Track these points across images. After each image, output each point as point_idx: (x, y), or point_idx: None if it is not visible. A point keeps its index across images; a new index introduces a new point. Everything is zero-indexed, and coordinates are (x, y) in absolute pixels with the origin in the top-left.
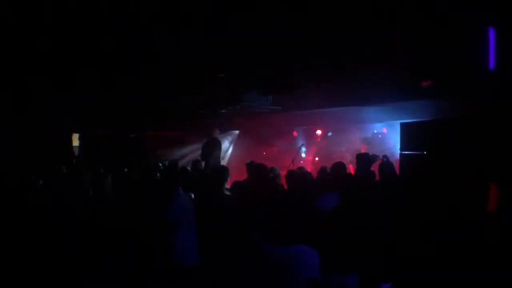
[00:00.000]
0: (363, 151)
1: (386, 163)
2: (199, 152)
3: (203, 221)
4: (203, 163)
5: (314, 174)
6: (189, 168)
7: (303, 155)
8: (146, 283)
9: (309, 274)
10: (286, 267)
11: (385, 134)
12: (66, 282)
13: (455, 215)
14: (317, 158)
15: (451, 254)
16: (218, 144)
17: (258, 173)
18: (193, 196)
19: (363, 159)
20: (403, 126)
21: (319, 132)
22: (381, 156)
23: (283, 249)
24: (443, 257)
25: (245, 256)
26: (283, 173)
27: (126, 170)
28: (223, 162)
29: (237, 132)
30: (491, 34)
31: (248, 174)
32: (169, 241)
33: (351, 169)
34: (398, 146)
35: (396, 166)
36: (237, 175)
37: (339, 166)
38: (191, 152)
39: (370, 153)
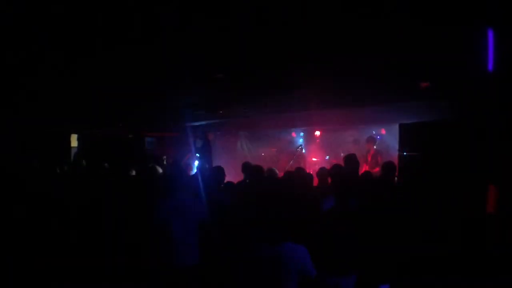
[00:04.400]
0: (372, 151)
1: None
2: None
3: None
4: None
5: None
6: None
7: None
8: (142, 282)
9: (300, 270)
10: (277, 264)
11: (383, 135)
12: (65, 282)
13: (454, 216)
14: (315, 159)
15: (451, 255)
16: (209, 147)
17: (254, 174)
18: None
19: (351, 160)
20: (402, 128)
21: (317, 133)
22: None
23: (274, 247)
24: (442, 258)
25: (238, 254)
26: (281, 174)
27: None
28: None
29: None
30: (490, 34)
31: (244, 175)
32: (165, 241)
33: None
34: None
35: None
36: (235, 176)
37: (337, 169)
38: (189, 153)
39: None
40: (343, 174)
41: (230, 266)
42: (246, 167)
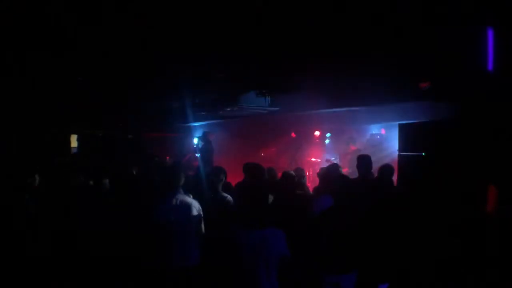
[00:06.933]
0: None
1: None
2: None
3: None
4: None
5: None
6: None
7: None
8: (142, 282)
9: (279, 252)
10: (260, 247)
11: (383, 135)
12: (64, 281)
13: (454, 215)
14: (314, 159)
15: (450, 255)
16: (212, 147)
17: (254, 173)
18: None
19: (364, 161)
20: (402, 128)
21: (317, 133)
22: None
23: (256, 232)
24: (442, 257)
25: (226, 243)
26: (280, 174)
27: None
28: None
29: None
30: (490, 34)
31: (245, 175)
32: (165, 241)
33: None
34: (397, 147)
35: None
36: (235, 176)
37: (332, 168)
38: (188, 153)
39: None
40: (342, 174)
41: (218, 256)
42: (248, 167)
